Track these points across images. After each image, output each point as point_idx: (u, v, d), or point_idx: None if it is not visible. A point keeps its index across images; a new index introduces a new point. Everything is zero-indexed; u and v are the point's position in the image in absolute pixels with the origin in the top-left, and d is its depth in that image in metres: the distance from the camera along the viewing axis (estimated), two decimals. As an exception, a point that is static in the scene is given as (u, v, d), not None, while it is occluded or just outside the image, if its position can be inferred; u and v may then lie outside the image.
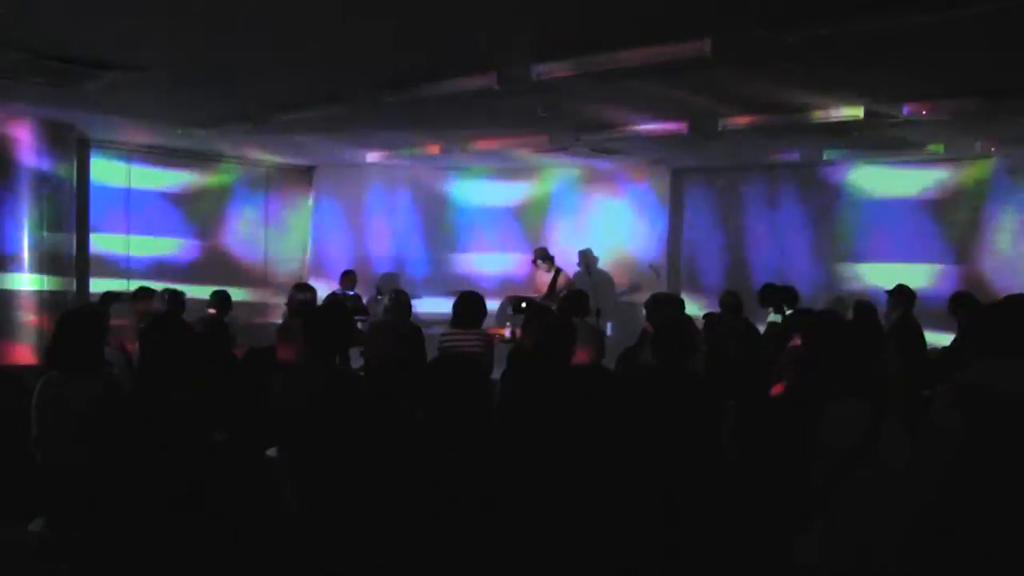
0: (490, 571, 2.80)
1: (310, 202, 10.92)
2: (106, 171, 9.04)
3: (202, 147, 9.30)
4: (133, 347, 5.93)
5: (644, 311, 5.17)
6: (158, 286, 7.34)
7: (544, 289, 9.42)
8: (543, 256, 9.55)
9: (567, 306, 5.84)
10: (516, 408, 3.76)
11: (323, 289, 8.78)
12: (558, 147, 8.49)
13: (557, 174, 10.71)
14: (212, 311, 7.08)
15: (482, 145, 8.63)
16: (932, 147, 8.25)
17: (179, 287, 7.72)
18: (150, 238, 9.45)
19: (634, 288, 10.03)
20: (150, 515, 2.89)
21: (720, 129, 7.13)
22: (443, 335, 5.50)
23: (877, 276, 8.68)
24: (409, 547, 2.80)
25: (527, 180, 10.85)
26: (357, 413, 3.34)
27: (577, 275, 9.83)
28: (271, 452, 3.68)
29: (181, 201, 9.74)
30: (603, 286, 10.01)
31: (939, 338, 7.28)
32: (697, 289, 10.12)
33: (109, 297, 7.02)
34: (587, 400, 3.54)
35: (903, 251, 8.96)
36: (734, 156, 9.36)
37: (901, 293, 7.01)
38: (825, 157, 8.87)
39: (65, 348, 3.54)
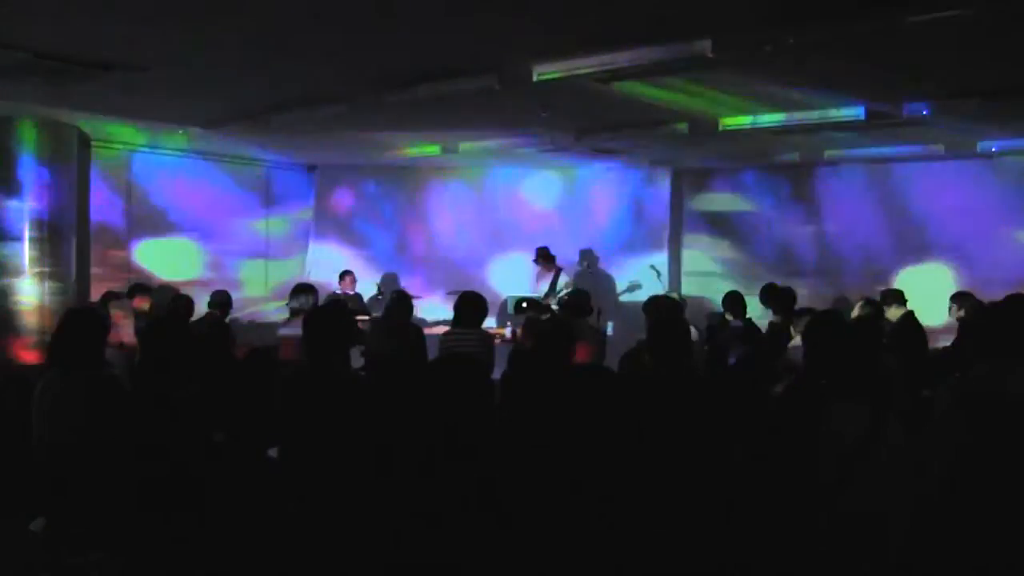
0: (491, 572, 2.80)
1: (310, 202, 10.92)
2: (107, 171, 9.06)
3: (202, 147, 9.30)
4: (131, 340, 5.95)
5: (643, 313, 5.19)
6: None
7: (544, 288, 9.43)
8: (544, 255, 9.55)
9: (568, 307, 5.85)
10: (517, 408, 3.76)
11: (323, 289, 8.78)
12: (558, 147, 8.49)
13: (557, 173, 10.71)
14: (213, 311, 7.09)
15: (483, 145, 8.63)
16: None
17: (181, 288, 7.75)
18: (151, 238, 9.47)
19: (635, 287, 10.03)
20: (150, 515, 2.89)
21: (720, 129, 7.14)
22: (443, 335, 5.51)
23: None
24: (409, 547, 2.80)
25: (528, 179, 10.85)
26: (357, 414, 3.34)
27: (578, 275, 9.83)
28: (271, 452, 3.68)
29: (181, 201, 9.74)
30: (603, 286, 10.01)
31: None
32: (699, 289, 10.12)
33: (109, 296, 7.03)
34: (588, 400, 3.54)
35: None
36: (734, 156, 9.37)
37: (899, 294, 7.03)
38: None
39: (66, 347, 3.54)
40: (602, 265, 10.42)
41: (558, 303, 8.22)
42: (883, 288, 7.47)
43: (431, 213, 10.99)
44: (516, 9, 4.33)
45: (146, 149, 9.30)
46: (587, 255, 10.27)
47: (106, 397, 3.39)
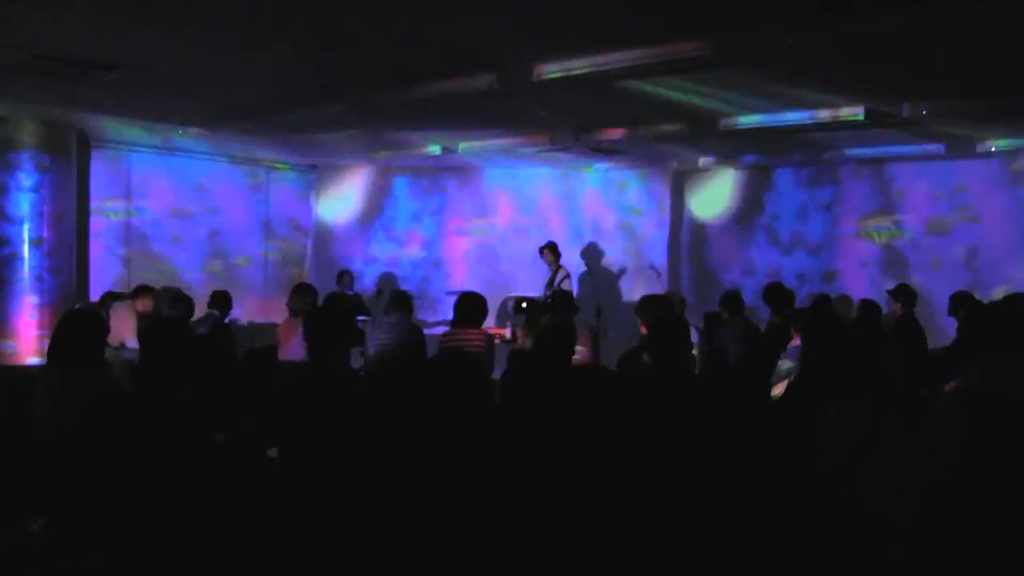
0: (491, 571, 2.80)
1: (310, 202, 10.92)
2: (106, 171, 9.06)
3: (202, 147, 9.30)
4: (133, 341, 5.94)
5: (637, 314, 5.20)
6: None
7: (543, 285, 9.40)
8: (551, 249, 9.46)
9: (554, 307, 5.88)
10: (516, 408, 3.76)
11: (323, 289, 8.78)
12: (558, 147, 8.49)
13: (557, 174, 10.71)
14: (213, 311, 7.08)
15: (483, 145, 8.63)
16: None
17: (180, 288, 7.73)
18: (150, 238, 9.47)
19: (623, 271, 10.10)
20: (150, 515, 2.89)
21: (720, 129, 7.14)
22: (443, 335, 5.50)
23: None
24: (408, 546, 2.80)
25: (527, 179, 10.85)
26: (357, 413, 3.34)
27: (578, 275, 9.83)
28: (271, 452, 3.67)
29: (181, 201, 9.74)
30: (604, 285, 10.01)
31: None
32: (698, 289, 10.12)
33: (109, 297, 7.02)
34: (587, 400, 3.54)
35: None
36: (734, 156, 9.37)
37: (903, 292, 6.99)
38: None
39: (66, 348, 3.54)
40: (602, 265, 10.42)
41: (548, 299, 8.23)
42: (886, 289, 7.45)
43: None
44: (516, 9, 4.33)
45: (146, 149, 9.29)
46: (587, 254, 10.26)
47: (106, 397, 3.39)
